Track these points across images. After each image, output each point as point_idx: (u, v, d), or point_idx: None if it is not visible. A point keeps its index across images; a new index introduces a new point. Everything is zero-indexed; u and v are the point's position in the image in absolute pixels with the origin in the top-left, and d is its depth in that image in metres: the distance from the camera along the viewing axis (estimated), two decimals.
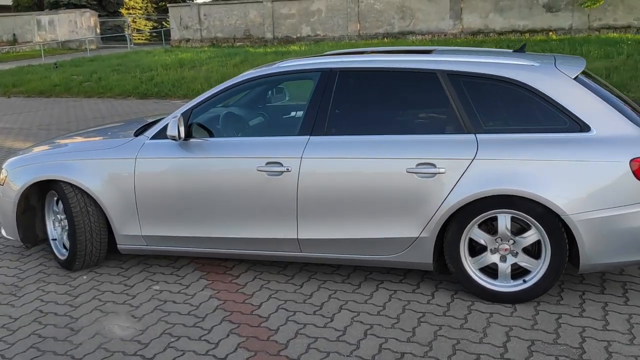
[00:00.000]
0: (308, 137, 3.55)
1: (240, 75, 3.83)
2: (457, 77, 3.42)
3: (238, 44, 24.89)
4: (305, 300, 3.50)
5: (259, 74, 3.78)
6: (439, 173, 3.30)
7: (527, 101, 3.33)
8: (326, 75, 3.62)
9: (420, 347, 2.95)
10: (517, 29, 19.81)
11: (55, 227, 4.20)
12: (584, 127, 3.21)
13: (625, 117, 3.23)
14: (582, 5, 17.82)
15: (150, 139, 3.85)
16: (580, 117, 3.22)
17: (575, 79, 3.33)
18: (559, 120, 3.26)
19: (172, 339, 3.13)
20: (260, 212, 3.62)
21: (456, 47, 4.37)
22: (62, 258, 4.11)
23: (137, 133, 4.04)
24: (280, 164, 3.53)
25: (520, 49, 3.99)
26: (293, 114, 3.80)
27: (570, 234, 3.18)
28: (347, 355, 2.90)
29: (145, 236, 3.87)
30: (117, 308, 3.53)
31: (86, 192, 3.87)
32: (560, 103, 3.26)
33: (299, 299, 3.53)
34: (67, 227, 4.03)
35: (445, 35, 20.86)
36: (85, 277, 4.01)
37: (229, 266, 4.05)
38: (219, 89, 3.81)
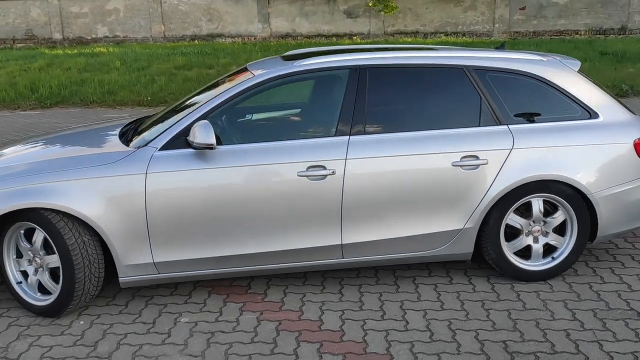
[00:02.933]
0: (347, 137, 3.41)
1: (256, 76, 3.49)
2: (483, 72, 3.60)
3: (19, 45, 22.04)
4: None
5: (279, 74, 3.49)
6: (482, 164, 3.44)
7: (544, 93, 3.65)
8: (356, 72, 3.50)
9: None
10: (323, 33, 20.92)
11: (19, 268, 3.37)
12: (593, 115, 3.63)
13: (620, 104, 3.74)
14: (381, 12, 19.53)
15: (160, 149, 3.31)
16: (589, 106, 3.64)
17: (578, 72, 3.75)
18: (572, 109, 3.64)
19: None
20: (301, 220, 3.37)
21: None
22: (39, 304, 3.33)
23: (130, 143, 3.45)
24: (324, 167, 3.33)
25: (500, 46, 4.32)
26: (319, 113, 3.58)
27: (592, 211, 3.57)
28: None
29: (158, 263, 3.33)
30: (161, 350, 2.99)
31: (78, 220, 3.19)
32: (572, 93, 3.64)
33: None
34: (47, 265, 3.28)
35: (255, 38, 21.10)
36: (82, 322, 3.30)
37: (244, 284, 3.69)
38: (235, 92, 3.43)
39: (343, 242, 3.43)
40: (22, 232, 3.31)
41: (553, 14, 19.95)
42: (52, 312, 3.31)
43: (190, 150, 3.29)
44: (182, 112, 3.62)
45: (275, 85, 3.54)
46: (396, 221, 3.45)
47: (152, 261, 3.32)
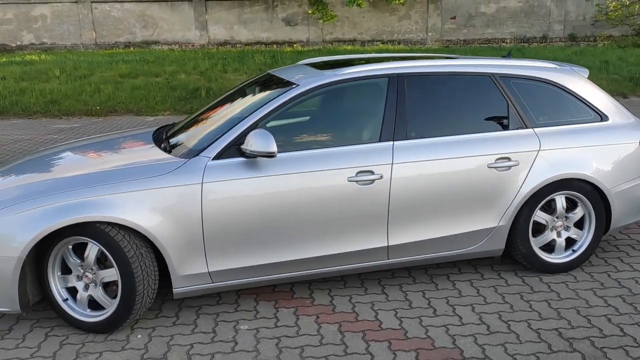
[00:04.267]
0: (392, 142, 3.54)
1: (301, 85, 3.54)
2: (508, 79, 3.85)
3: None
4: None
5: (324, 82, 3.56)
6: (514, 166, 3.68)
7: (561, 98, 3.95)
8: (395, 80, 3.65)
9: None
10: (262, 41, 20.94)
11: (65, 284, 3.26)
12: (603, 118, 3.97)
13: (624, 107, 4.10)
14: (321, 20, 19.82)
15: (213, 159, 3.30)
16: (600, 109, 3.97)
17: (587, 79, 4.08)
18: (586, 112, 3.96)
19: None
20: (350, 224, 3.47)
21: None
22: (91, 320, 3.23)
23: (176, 152, 3.43)
24: (372, 172, 3.45)
25: (507, 55, 4.60)
26: (363, 120, 3.66)
27: (606, 205, 3.90)
28: None
29: (213, 272, 3.32)
30: (235, 358, 2.99)
31: (134, 232, 3.14)
32: (586, 98, 3.96)
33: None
34: (101, 280, 3.19)
35: (193, 45, 20.81)
36: (139, 335, 3.23)
37: (287, 290, 3.73)
38: (283, 100, 3.47)
39: (389, 244, 3.56)
40: (70, 247, 3.20)
41: (481, 23, 20.99)
42: (107, 327, 3.22)
43: (243, 159, 3.31)
44: (223, 121, 3.64)
45: (319, 94, 3.63)
46: (437, 222, 3.62)
47: (207, 271, 3.31)
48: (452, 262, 4.06)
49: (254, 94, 3.99)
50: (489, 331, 3.21)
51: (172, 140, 3.78)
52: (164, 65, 14.97)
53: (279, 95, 3.52)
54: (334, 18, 19.69)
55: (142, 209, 3.14)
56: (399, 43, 20.74)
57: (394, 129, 3.57)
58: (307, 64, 4.35)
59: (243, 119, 3.44)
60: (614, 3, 19.46)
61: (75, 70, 14.15)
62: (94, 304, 3.27)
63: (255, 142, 3.21)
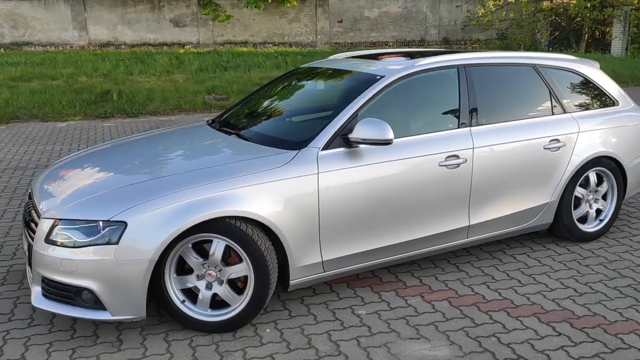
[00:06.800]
0: (469, 128, 3.79)
1: (387, 76, 3.62)
2: (545, 69, 4.27)
3: None
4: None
5: (407, 72, 3.68)
6: (562, 146, 4.10)
7: (585, 85, 4.46)
8: (463, 70, 3.89)
9: None
10: (149, 42, 20.09)
11: (181, 286, 3.08)
12: (616, 103, 4.55)
13: (626, 94, 4.72)
14: (215, 20, 19.50)
15: (322, 149, 3.30)
16: (614, 96, 4.55)
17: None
18: (604, 98, 4.51)
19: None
20: (441, 207, 3.65)
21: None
22: (216, 319, 3.08)
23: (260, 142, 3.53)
24: (457, 156, 3.67)
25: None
26: (442, 108, 3.81)
27: (624, 178, 4.48)
28: None
29: (326, 261, 3.33)
30: (384, 339, 3.04)
31: (259, 225, 3.07)
32: (603, 86, 4.52)
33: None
34: (228, 277, 3.07)
35: (70, 46, 19.39)
36: (267, 330, 3.14)
37: (371, 276, 3.82)
38: (376, 90, 3.54)
39: (470, 224, 3.80)
40: (190, 245, 3.03)
41: (366, 27, 22.01)
42: (235, 325, 3.10)
43: (345, 148, 3.35)
44: (311, 112, 3.73)
45: (402, 84, 3.73)
46: (507, 200, 3.93)
47: (320, 260, 3.31)
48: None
49: (322, 86, 4.02)
50: (612, 297, 3.58)
51: (250, 131, 3.73)
52: (57, 68, 13.88)
53: (369, 87, 3.58)
54: (229, 18, 19.48)
55: (266, 202, 3.08)
56: (291, 45, 21.05)
57: (469, 115, 3.81)
58: (349, 57, 4.47)
59: (342, 111, 3.46)
60: (482, 10, 21.43)
61: None
62: (214, 303, 3.12)
63: (369, 131, 3.26)
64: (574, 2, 20.44)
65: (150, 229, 2.84)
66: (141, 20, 20.13)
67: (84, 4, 19.56)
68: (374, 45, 21.84)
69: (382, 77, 3.66)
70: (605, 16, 20.28)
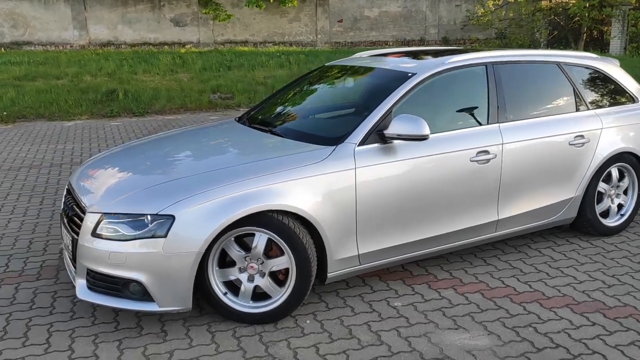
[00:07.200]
0: (498, 124, 3.85)
1: (419, 74, 3.67)
2: (569, 66, 4.34)
3: None
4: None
5: (438, 70, 3.74)
6: (586, 142, 4.18)
7: (606, 82, 4.53)
8: (491, 68, 3.95)
9: None
10: (149, 42, 20.09)
11: (223, 278, 3.12)
12: (635, 100, 4.63)
13: None
14: (216, 20, 19.52)
15: (359, 145, 3.36)
16: (633, 93, 4.62)
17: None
18: (625, 95, 4.58)
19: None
20: (471, 201, 3.71)
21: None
22: (258, 311, 3.14)
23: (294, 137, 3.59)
24: (488, 152, 3.73)
25: None
26: (472, 104, 3.86)
27: None
28: None
29: (362, 254, 3.38)
30: (428, 328, 3.10)
31: (300, 219, 3.13)
32: (623, 83, 4.59)
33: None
34: (270, 269, 3.12)
35: (71, 46, 19.36)
36: (308, 321, 3.20)
37: (400, 270, 3.88)
38: (409, 87, 3.59)
39: (499, 218, 3.86)
40: (232, 239, 3.08)
41: (366, 26, 22.09)
42: (274, 317, 3.15)
43: (379, 144, 3.40)
44: (342, 109, 3.77)
45: (433, 81, 3.78)
46: (534, 195, 3.99)
47: (357, 253, 3.36)
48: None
49: (351, 83, 4.08)
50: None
51: (284, 128, 3.78)
52: (61, 67, 13.88)
53: (402, 84, 3.63)
54: (229, 17, 19.51)
55: (306, 196, 3.13)
56: (291, 45, 21.09)
57: (498, 112, 3.88)
58: (372, 55, 4.54)
59: (374, 107, 3.50)
60: (482, 10, 21.54)
61: None
62: (255, 295, 3.17)
63: (405, 127, 3.32)
64: (574, 2, 20.59)
65: (198, 222, 2.89)
66: (141, 19, 20.13)
67: (84, 3, 19.54)
68: (373, 44, 21.92)
69: (414, 74, 3.71)
70: (604, 16, 20.45)
